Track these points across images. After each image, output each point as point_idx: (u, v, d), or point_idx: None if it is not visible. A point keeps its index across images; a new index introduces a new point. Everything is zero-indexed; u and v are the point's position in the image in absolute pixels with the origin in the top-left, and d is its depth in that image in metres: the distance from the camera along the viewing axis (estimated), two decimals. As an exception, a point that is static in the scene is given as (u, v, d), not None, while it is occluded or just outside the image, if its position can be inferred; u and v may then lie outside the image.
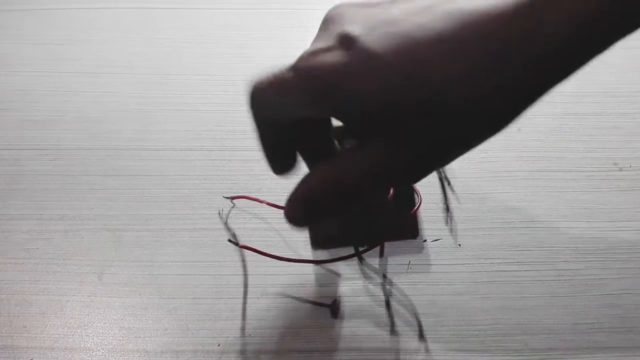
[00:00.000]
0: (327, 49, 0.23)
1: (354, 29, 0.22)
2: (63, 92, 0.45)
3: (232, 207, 0.39)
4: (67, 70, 0.47)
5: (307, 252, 0.37)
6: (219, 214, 0.39)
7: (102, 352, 0.34)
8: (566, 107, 0.44)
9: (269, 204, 0.37)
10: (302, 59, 0.24)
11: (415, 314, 0.35)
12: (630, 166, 0.41)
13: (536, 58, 0.20)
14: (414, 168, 0.24)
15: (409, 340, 0.34)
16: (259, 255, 0.35)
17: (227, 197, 0.39)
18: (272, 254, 0.35)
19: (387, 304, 0.35)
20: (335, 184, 0.24)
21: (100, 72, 0.47)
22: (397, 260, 0.37)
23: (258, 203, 0.38)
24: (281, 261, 0.35)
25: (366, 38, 0.22)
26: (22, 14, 0.50)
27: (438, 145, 0.22)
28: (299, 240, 0.38)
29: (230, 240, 0.37)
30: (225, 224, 0.38)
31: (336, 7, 0.25)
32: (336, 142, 0.29)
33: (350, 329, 0.35)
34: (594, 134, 0.43)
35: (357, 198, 0.25)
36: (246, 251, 0.37)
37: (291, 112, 0.25)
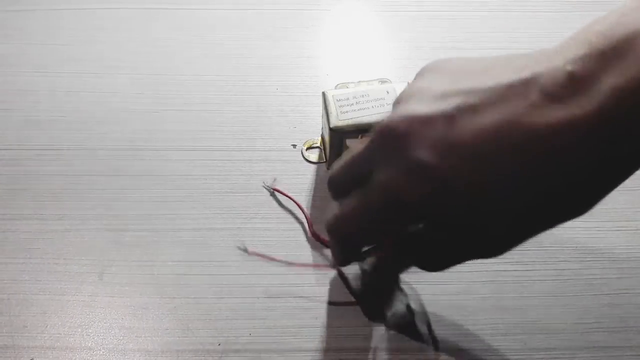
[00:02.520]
0: (401, 173, 0.24)
1: (427, 156, 0.23)
2: (64, 92, 0.45)
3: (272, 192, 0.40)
4: (68, 70, 0.47)
5: (306, 253, 0.38)
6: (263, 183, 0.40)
7: (103, 352, 0.34)
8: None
9: (312, 232, 0.38)
10: (385, 179, 0.25)
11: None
12: (630, 166, 0.41)
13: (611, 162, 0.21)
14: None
15: (408, 340, 0.34)
16: (259, 255, 0.35)
17: (270, 188, 0.40)
18: (284, 260, 0.35)
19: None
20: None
21: (101, 72, 0.47)
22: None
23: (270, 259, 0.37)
24: (282, 263, 0.35)
25: (437, 171, 0.23)
26: (23, 14, 0.50)
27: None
28: (301, 240, 0.38)
29: (239, 248, 0.37)
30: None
31: (429, 70, 0.26)
32: None
33: (350, 329, 0.35)
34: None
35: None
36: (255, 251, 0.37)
37: (372, 225, 0.27)
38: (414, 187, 0.23)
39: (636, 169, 0.22)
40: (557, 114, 0.21)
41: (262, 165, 0.41)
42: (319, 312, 0.35)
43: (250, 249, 0.36)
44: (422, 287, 0.36)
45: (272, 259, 0.35)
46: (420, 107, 0.24)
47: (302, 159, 0.42)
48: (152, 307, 0.35)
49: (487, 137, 0.22)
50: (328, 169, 0.41)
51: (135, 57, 0.48)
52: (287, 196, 0.39)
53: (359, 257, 0.30)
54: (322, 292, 0.36)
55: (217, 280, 0.36)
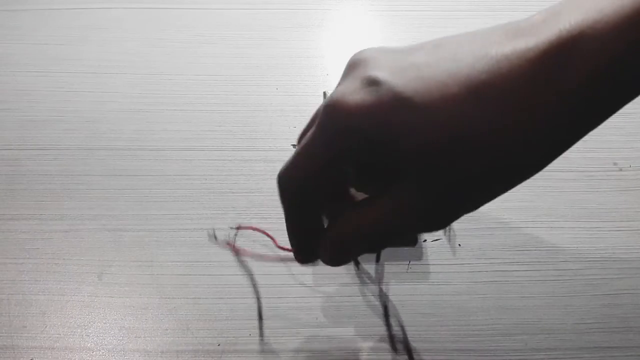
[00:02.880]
0: (353, 91, 0.22)
1: (379, 72, 0.22)
2: (63, 92, 0.45)
3: (236, 235, 0.38)
4: (67, 70, 0.47)
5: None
6: (213, 236, 0.38)
7: (102, 352, 0.34)
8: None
9: (278, 246, 0.37)
10: (329, 101, 0.23)
11: (412, 314, 0.35)
12: (630, 166, 0.41)
13: (561, 97, 0.21)
14: (444, 209, 0.23)
15: (408, 340, 0.34)
16: (231, 246, 0.35)
17: (235, 228, 0.38)
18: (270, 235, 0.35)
19: (385, 308, 0.35)
20: (367, 232, 0.24)
21: (100, 72, 0.47)
22: (397, 261, 0.37)
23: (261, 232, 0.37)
24: (281, 261, 0.35)
25: (393, 81, 0.22)
26: (22, 14, 0.50)
27: (467, 183, 0.22)
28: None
29: (209, 234, 0.36)
30: (235, 252, 0.37)
31: (360, 52, 0.25)
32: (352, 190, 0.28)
33: (350, 329, 0.35)
34: (594, 134, 0.42)
35: (387, 241, 0.25)
36: (246, 251, 0.37)
37: (322, 166, 0.24)
38: (361, 95, 0.22)
39: (591, 116, 0.23)
40: (513, 43, 0.21)
41: (262, 165, 0.41)
42: (319, 312, 0.35)
43: (224, 240, 0.35)
44: (422, 287, 0.36)
45: (243, 253, 0.35)
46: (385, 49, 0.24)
47: (302, 159, 0.42)
48: (152, 307, 0.35)
49: (447, 57, 0.22)
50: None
51: (135, 57, 0.48)
52: (261, 232, 0.37)
53: (316, 228, 0.27)
54: (323, 292, 0.36)
55: (217, 280, 0.36)
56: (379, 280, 0.36)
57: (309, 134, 0.24)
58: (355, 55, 0.25)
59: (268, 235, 0.37)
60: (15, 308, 0.35)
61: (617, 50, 0.20)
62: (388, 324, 0.35)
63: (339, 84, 0.24)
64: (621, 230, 0.38)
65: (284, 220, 0.26)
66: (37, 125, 0.43)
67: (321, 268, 0.37)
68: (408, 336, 0.34)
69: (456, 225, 0.38)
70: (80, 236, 0.38)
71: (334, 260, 0.26)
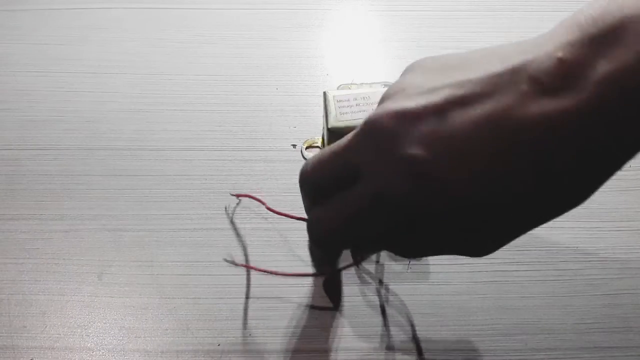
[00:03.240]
0: (393, 172, 0.23)
1: (418, 152, 0.22)
2: (63, 92, 0.45)
3: (238, 204, 0.39)
4: (67, 70, 0.47)
5: (306, 253, 0.38)
6: (225, 209, 0.39)
7: (102, 352, 0.34)
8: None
9: (268, 208, 0.37)
10: (372, 117, 0.24)
11: (412, 314, 0.35)
12: (630, 166, 0.41)
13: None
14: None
15: (408, 340, 0.34)
16: (259, 255, 0.35)
17: (234, 195, 0.39)
18: (270, 269, 0.35)
19: (383, 308, 0.35)
20: (340, 217, 0.26)
21: (100, 72, 0.47)
22: (397, 261, 0.37)
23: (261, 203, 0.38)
24: (270, 274, 0.35)
25: (431, 165, 0.22)
26: (22, 14, 0.50)
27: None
28: (299, 240, 0.38)
29: (226, 260, 0.37)
30: (231, 221, 0.38)
31: (415, 67, 0.26)
32: None
33: (349, 329, 0.35)
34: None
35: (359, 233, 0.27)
36: (246, 250, 0.37)
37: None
38: (402, 181, 0.22)
39: (630, 158, 0.21)
40: (549, 104, 0.20)
41: (262, 165, 0.41)
42: (319, 312, 0.35)
43: (238, 261, 0.36)
44: (422, 287, 0.36)
45: (261, 270, 0.35)
46: (408, 102, 0.23)
47: (302, 159, 0.42)
48: (152, 307, 0.35)
49: (478, 129, 0.21)
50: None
51: (134, 57, 0.48)
52: (255, 199, 0.38)
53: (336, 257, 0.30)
54: (323, 292, 0.36)
55: (217, 280, 0.36)
56: (379, 280, 0.36)
57: (348, 194, 0.25)
58: (414, 64, 0.26)
59: (259, 201, 0.38)
60: (15, 308, 0.35)
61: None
62: (386, 325, 0.35)
63: (388, 102, 0.25)
64: (621, 230, 0.38)
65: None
66: (37, 125, 0.43)
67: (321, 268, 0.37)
68: (413, 331, 0.34)
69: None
70: (80, 236, 0.38)
71: (315, 240, 0.28)
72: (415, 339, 0.34)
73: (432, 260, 0.37)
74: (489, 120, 0.21)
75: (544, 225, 0.36)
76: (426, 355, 0.34)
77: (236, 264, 0.35)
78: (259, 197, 0.38)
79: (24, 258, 0.37)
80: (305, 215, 0.30)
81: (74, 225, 0.39)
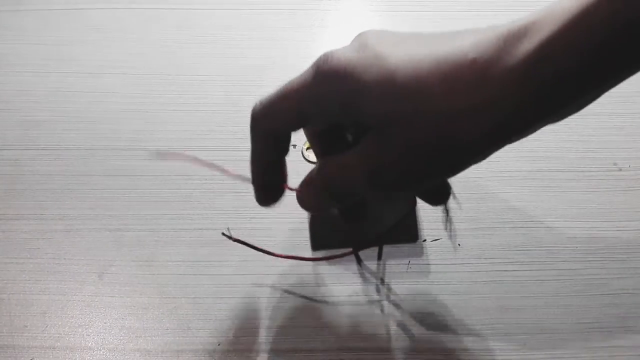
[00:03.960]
0: (345, 49, 0.27)
1: (370, 40, 0.26)
2: (63, 92, 0.45)
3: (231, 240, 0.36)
4: (67, 70, 0.47)
5: (304, 252, 0.38)
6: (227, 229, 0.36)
7: (103, 352, 0.34)
8: (566, 107, 0.44)
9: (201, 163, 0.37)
10: (323, 54, 0.27)
11: (412, 314, 0.35)
12: (630, 166, 0.41)
13: (507, 73, 0.23)
14: (403, 164, 0.25)
15: (408, 340, 0.34)
16: (259, 254, 0.35)
17: (226, 235, 0.35)
18: (267, 250, 0.35)
19: (383, 307, 0.35)
20: (334, 176, 0.28)
21: (100, 72, 0.47)
22: (397, 260, 0.37)
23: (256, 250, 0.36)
24: (280, 258, 0.35)
25: (378, 46, 0.25)
26: (22, 14, 0.50)
27: (422, 149, 0.25)
28: (300, 240, 0.38)
29: (224, 234, 0.36)
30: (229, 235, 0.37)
31: (365, 30, 0.28)
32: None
33: (350, 329, 0.35)
34: (594, 134, 0.43)
35: (354, 193, 0.28)
36: (246, 250, 0.37)
37: (298, 101, 0.27)
38: (350, 51, 0.26)
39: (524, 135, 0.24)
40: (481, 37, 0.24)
41: (262, 165, 0.41)
42: (319, 312, 0.35)
43: (234, 237, 0.35)
44: (422, 287, 0.36)
45: (257, 248, 0.35)
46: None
47: (302, 159, 0.42)
48: (152, 307, 0.35)
49: (428, 42, 0.25)
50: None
51: (134, 57, 0.48)
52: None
53: (275, 181, 0.31)
54: (323, 292, 0.36)
55: (217, 280, 0.36)
56: (380, 279, 0.36)
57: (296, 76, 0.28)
58: (361, 32, 0.28)
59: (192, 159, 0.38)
60: (16, 308, 0.35)
61: (564, 38, 0.22)
62: (386, 324, 0.35)
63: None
64: (621, 230, 0.39)
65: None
66: (38, 125, 0.43)
67: (322, 268, 0.37)
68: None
69: (456, 225, 0.39)
70: (81, 236, 0.38)
71: (304, 202, 0.29)
72: (415, 338, 0.34)
73: (432, 260, 0.37)
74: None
75: (544, 225, 0.36)
76: (426, 355, 0.34)
77: (233, 239, 0.35)
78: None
79: (25, 258, 0.37)
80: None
81: (75, 225, 0.39)
